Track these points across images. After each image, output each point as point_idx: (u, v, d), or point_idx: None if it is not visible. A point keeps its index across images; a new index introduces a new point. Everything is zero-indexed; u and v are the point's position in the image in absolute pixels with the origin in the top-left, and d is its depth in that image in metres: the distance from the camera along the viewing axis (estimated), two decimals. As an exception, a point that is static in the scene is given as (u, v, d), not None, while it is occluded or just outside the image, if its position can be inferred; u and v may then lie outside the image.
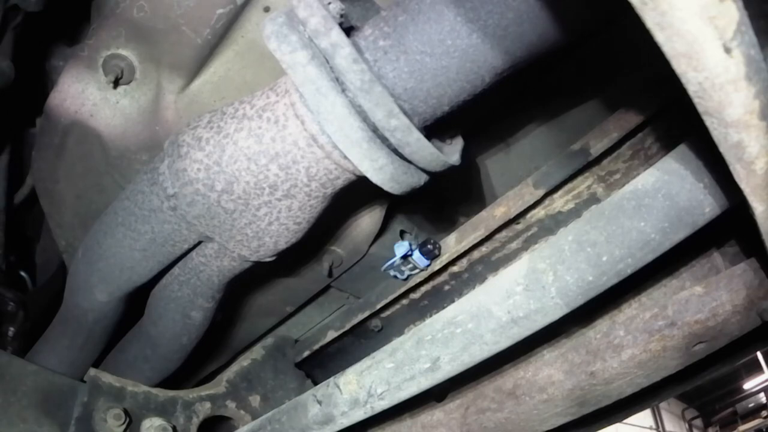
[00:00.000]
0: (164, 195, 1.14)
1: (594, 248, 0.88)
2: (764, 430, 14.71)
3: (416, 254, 1.36)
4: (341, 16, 0.91)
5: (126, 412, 1.30)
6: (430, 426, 1.41)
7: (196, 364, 1.76)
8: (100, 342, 1.54)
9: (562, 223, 1.33)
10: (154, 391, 1.40)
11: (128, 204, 1.22)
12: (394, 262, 1.38)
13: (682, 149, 0.86)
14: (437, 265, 1.40)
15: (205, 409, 1.47)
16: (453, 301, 1.25)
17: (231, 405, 1.53)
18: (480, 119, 1.49)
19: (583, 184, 1.30)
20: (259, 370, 1.63)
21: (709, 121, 0.60)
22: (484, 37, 0.87)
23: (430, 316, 1.49)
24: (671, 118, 1.20)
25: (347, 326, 1.60)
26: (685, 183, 0.83)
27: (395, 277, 1.43)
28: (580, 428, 1.39)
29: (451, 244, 1.39)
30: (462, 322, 0.98)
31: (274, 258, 1.23)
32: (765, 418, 15.02)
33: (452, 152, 1.08)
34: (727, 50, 0.52)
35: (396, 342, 1.09)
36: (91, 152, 1.44)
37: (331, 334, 1.63)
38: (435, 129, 1.03)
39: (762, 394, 15.75)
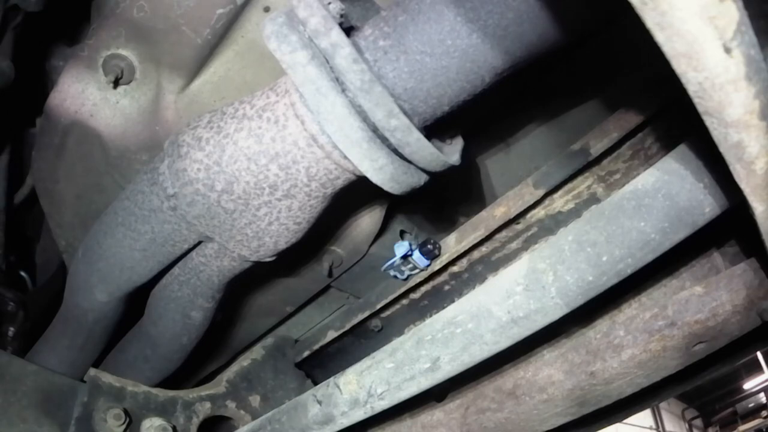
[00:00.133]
0: (164, 195, 1.14)
1: (594, 248, 0.88)
2: (764, 430, 14.71)
3: (416, 254, 1.36)
4: (341, 16, 0.91)
5: (126, 412, 1.30)
6: (430, 426, 1.41)
7: (196, 364, 1.76)
8: (100, 342, 1.54)
9: (562, 223, 1.33)
10: (154, 391, 1.40)
11: (128, 204, 1.22)
12: (394, 262, 1.38)
13: (682, 149, 0.86)
14: (437, 265, 1.40)
15: (205, 409, 1.47)
16: (453, 301, 1.25)
17: (231, 405, 1.53)
18: (480, 119, 1.49)
19: (583, 184, 1.30)
20: (259, 370, 1.63)
21: (709, 121, 0.60)
22: (484, 37, 0.87)
23: (430, 316, 1.49)
24: (671, 118, 1.20)
25: (347, 326, 1.60)
26: (685, 183, 0.83)
27: (395, 277, 1.43)
28: (580, 428, 1.39)
29: (451, 244, 1.39)
30: (462, 322, 0.98)
31: (274, 258, 1.23)
32: (765, 418, 15.02)
33: (452, 152, 1.08)
34: (727, 50, 0.52)
35: (396, 342, 1.09)
36: (91, 152, 1.44)
37: (331, 334, 1.63)
38: (435, 129, 1.03)
39: (762, 394, 15.75)
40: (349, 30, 0.93)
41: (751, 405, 16.05)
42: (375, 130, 0.91)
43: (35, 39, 1.60)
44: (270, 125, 0.99)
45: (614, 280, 0.89)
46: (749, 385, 16.12)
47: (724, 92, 0.55)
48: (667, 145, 1.22)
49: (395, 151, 0.95)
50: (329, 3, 0.90)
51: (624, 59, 1.37)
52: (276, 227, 1.12)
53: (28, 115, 1.72)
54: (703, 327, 1.03)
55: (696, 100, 0.58)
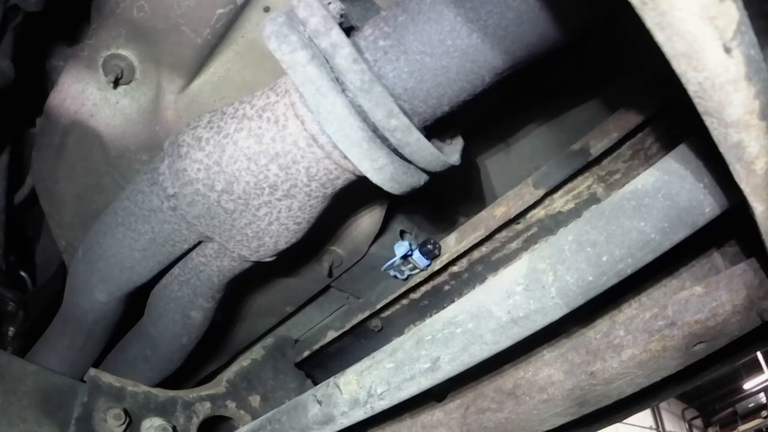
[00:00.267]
0: (164, 195, 1.14)
1: (594, 248, 0.88)
2: (764, 430, 14.71)
3: (416, 254, 1.36)
4: (341, 16, 0.91)
5: (126, 412, 1.30)
6: (430, 426, 1.41)
7: (196, 364, 1.76)
8: (100, 342, 1.54)
9: (562, 223, 1.33)
10: (154, 391, 1.40)
11: (128, 204, 1.22)
12: (394, 262, 1.38)
13: (682, 149, 0.86)
14: (437, 265, 1.40)
15: (205, 409, 1.47)
16: (453, 301, 1.25)
17: (231, 405, 1.53)
18: (480, 119, 1.49)
19: (583, 184, 1.30)
20: (259, 370, 1.63)
21: (709, 121, 0.60)
22: (484, 37, 0.87)
23: (430, 316, 1.49)
24: (671, 118, 1.20)
25: (347, 326, 1.60)
26: (685, 183, 0.83)
27: (395, 277, 1.43)
28: (580, 428, 1.39)
29: (451, 244, 1.39)
30: (462, 322, 0.98)
31: (274, 258, 1.23)
32: (765, 418, 15.02)
33: (452, 152, 1.08)
34: (727, 50, 0.52)
35: (396, 342, 1.09)
36: (91, 152, 1.44)
37: (331, 334, 1.63)
38: (435, 129, 1.03)
39: (762, 394, 15.75)
40: (349, 30, 0.93)
41: (751, 405, 16.05)
42: (375, 130, 0.91)
43: (35, 39, 1.60)
44: (270, 125, 0.99)
45: (614, 280, 0.89)
46: (749, 385, 16.12)
47: (724, 92, 0.55)
48: (667, 145, 1.22)
49: (395, 151, 0.95)
50: (329, 3, 0.90)
51: (624, 59, 1.37)
52: (276, 227, 1.12)
53: (28, 115, 1.72)
54: (703, 327, 1.03)
55: (696, 100, 0.58)
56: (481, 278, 1.46)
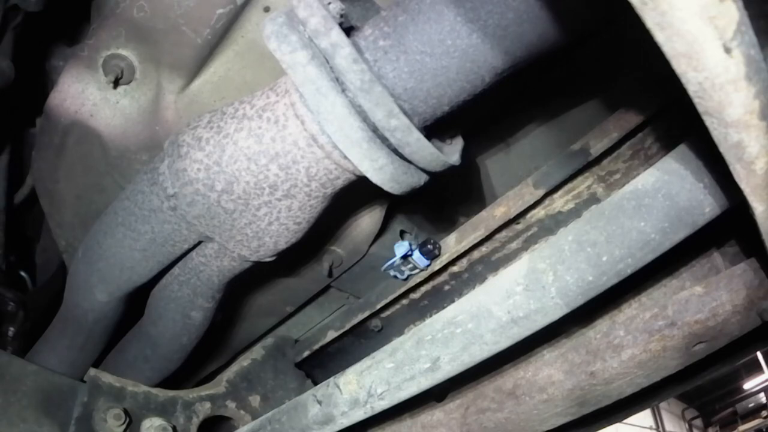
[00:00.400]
0: (164, 195, 1.14)
1: (594, 248, 0.88)
2: (764, 430, 14.71)
3: (416, 254, 1.36)
4: (341, 16, 0.91)
5: (126, 412, 1.30)
6: (430, 426, 1.41)
7: (196, 364, 1.76)
8: (100, 342, 1.54)
9: (562, 223, 1.33)
10: (154, 391, 1.40)
11: (128, 204, 1.22)
12: (394, 262, 1.38)
13: (682, 149, 0.86)
14: (437, 265, 1.40)
15: (205, 409, 1.47)
16: (453, 301, 1.25)
17: (231, 405, 1.53)
18: (480, 119, 1.49)
19: (583, 184, 1.30)
20: (259, 370, 1.63)
21: (709, 121, 0.60)
22: (484, 37, 0.87)
23: (430, 316, 1.49)
24: (671, 118, 1.20)
25: (347, 326, 1.60)
26: (685, 183, 0.83)
27: (395, 277, 1.43)
28: (580, 428, 1.39)
29: (451, 244, 1.39)
30: (462, 322, 0.98)
31: (274, 258, 1.23)
32: (765, 418, 15.02)
33: (452, 152, 1.08)
34: (727, 50, 0.52)
35: (396, 342, 1.09)
36: (91, 152, 1.44)
37: (331, 334, 1.63)
38: (435, 129, 1.03)
39: (762, 394, 15.75)
40: (349, 30, 0.93)
41: (751, 405, 16.05)
42: (375, 130, 0.91)
43: (35, 39, 1.60)
44: (270, 125, 0.99)
45: (614, 280, 0.89)
46: (749, 385, 16.11)
47: (724, 92, 0.55)
48: (667, 145, 1.22)
49: (395, 151, 0.95)
50: (329, 3, 0.90)
51: (624, 59, 1.37)
52: (276, 227, 1.12)
53: (28, 115, 1.72)
54: (703, 327, 1.03)
55: (696, 100, 0.58)
56: (481, 278, 1.46)
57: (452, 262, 1.42)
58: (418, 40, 0.90)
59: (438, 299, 1.52)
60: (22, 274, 1.92)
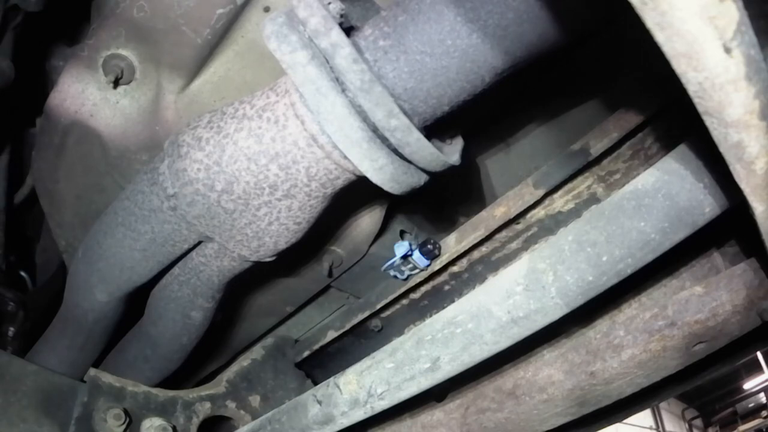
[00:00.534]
0: (164, 195, 1.14)
1: (594, 248, 0.88)
2: (764, 430, 14.71)
3: (416, 254, 1.36)
4: (341, 16, 0.91)
5: (126, 412, 1.30)
6: (430, 426, 1.41)
7: (196, 364, 1.76)
8: (100, 342, 1.54)
9: (562, 223, 1.33)
10: (154, 391, 1.40)
11: (128, 204, 1.22)
12: (394, 262, 1.38)
13: (682, 149, 0.86)
14: (437, 265, 1.40)
15: (205, 409, 1.47)
16: (453, 301, 1.25)
17: (231, 405, 1.53)
18: (480, 119, 1.49)
19: (583, 184, 1.30)
20: (259, 370, 1.63)
21: (709, 121, 0.60)
22: (484, 37, 0.87)
23: (430, 316, 1.49)
24: (671, 118, 1.20)
25: (347, 326, 1.60)
26: (685, 183, 0.83)
27: (395, 277, 1.43)
28: (580, 428, 1.39)
29: (451, 244, 1.39)
30: (462, 322, 0.98)
31: (274, 258, 1.23)
32: (765, 418, 15.02)
33: (452, 152, 1.08)
34: (727, 50, 0.52)
35: (396, 342, 1.09)
36: (91, 152, 1.44)
37: (331, 334, 1.63)
38: (435, 129, 1.03)
39: (762, 394, 15.75)
40: (349, 30, 0.93)
41: (751, 405, 16.05)
42: (375, 130, 0.91)
43: (35, 39, 1.60)
44: (270, 125, 0.99)
45: (614, 280, 0.89)
46: (749, 385, 16.11)
47: (724, 92, 0.55)
48: (667, 145, 1.22)
49: (395, 151, 0.95)
50: (329, 3, 0.90)
51: (624, 59, 1.37)
52: (276, 227, 1.12)
53: (28, 115, 1.72)
54: (703, 327, 1.03)
55: (696, 100, 0.58)
56: (481, 278, 1.46)
57: (452, 262, 1.42)
58: (418, 40, 0.90)
59: (438, 299, 1.52)
60: (22, 274, 1.92)
